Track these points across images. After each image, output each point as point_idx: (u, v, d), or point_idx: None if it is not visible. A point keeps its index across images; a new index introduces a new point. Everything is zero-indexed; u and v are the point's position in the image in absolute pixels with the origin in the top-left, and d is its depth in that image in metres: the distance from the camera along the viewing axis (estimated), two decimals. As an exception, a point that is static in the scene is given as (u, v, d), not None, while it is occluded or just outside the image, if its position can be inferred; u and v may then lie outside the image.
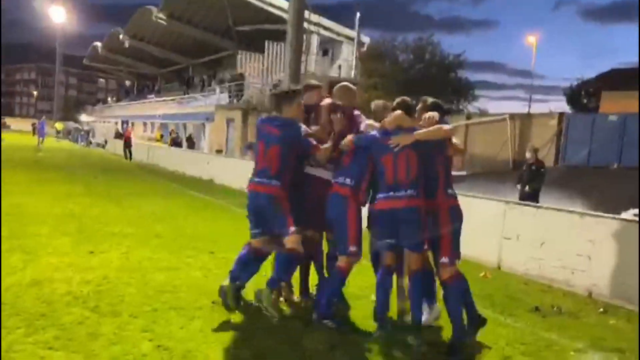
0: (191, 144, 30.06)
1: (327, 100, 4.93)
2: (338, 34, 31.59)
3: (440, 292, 4.51)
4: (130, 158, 28.04)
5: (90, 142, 42.39)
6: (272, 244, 4.61)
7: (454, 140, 4.61)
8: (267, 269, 4.95)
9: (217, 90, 32.96)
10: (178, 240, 7.46)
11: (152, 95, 51.44)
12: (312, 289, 5.10)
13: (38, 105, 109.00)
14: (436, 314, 4.79)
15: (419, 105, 4.70)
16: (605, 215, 6.71)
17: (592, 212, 6.89)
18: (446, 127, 4.47)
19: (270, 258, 4.82)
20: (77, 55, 73.22)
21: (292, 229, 4.37)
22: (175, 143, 27.96)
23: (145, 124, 45.68)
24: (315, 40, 30.05)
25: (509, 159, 21.21)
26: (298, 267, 4.85)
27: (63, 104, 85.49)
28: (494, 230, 7.65)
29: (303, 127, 4.57)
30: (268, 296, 4.45)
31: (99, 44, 56.09)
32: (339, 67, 31.18)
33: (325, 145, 4.55)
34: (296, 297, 5.10)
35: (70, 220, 8.34)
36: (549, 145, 21.15)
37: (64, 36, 63.99)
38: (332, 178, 4.64)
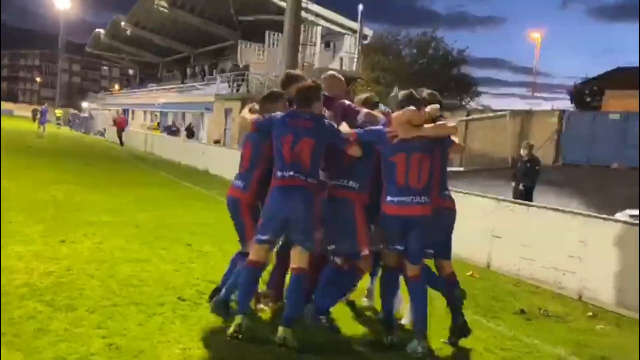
0: (190, 133, 29.82)
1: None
2: (341, 26, 31.23)
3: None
4: (122, 144, 27.81)
5: (91, 130, 42.15)
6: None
7: (454, 137, 4.22)
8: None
9: (218, 79, 32.68)
10: (156, 231, 7.23)
11: (153, 84, 51.14)
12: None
13: (42, 92, 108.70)
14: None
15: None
16: (598, 215, 6.50)
17: (584, 212, 6.67)
18: (452, 123, 4.24)
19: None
20: (81, 43, 72.70)
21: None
22: (171, 132, 27.70)
23: (145, 113, 45.43)
24: (317, 32, 29.72)
25: (508, 155, 20.89)
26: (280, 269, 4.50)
27: (66, 91, 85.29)
28: (484, 229, 7.43)
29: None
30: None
31: (101, 31, 55.66)
32: (341, 59, 30.81)
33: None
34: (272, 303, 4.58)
35: (48, 208, 8.12)
36: (548, 143, 20.84)
37: (68, 23, 63.76)
38: (326, 179, 4.20)
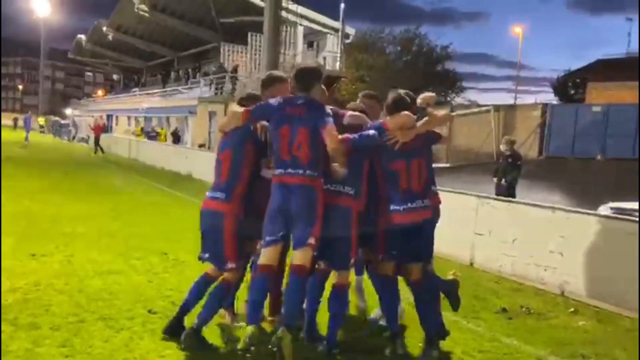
0: (176, 138, 29.58)
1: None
2: (323, 25, 31.18)
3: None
4: (96, 151, 26.79)
5: (74, 137, 41.69)
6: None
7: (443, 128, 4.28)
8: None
9: (201, 83, 32.47)
10: (130, 240, 7.06)
11: (136, 89, 50.75)
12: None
13: (24, 100, 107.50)
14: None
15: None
16: (578, 210, 6.45)
17: (564, 207, 6.61)
18: (442, 111, 4.27)
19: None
20: (64, 49, 72.13)
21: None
22: (150, 137, 27.32)
23: (129, 118, 45.05)
24: (300, 33, 29.64)
25: (493, 150, 20.92)
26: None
27: (50, 98, 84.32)
28: (466, 226, 7.36)
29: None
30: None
31: (83, 37, 55.14)
32: (324, 59, 30.75)
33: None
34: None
35: (21, 219, 7.91)
36: (532, 136, 20.91)
37: (49, 30, 63.08)
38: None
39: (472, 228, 7.34)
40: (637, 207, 7.60)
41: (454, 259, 7.26)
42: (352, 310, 4.83)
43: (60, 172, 15.92)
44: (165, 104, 36.60)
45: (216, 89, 29.36)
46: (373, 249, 4.08)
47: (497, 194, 9.07)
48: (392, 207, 3.90)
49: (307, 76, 3.83)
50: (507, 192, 9.36)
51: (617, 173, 13.93)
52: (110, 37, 46.23)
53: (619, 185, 12.75)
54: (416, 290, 4.11)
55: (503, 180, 9.68)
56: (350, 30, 32.34)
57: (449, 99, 41.24)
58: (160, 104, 37.46)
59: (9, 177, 13.17)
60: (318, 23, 30.92)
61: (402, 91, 4.29)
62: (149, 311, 4.47)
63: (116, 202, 10.53)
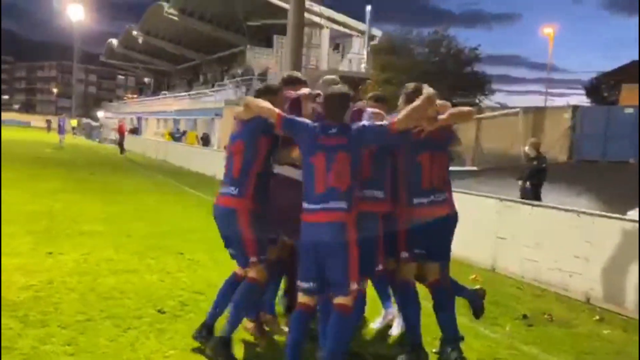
0: (206, 141, 29.85)
1: (305, 90, 4.00)
2: (350, 27, 31.04)
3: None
4: (122, 152, 27.48)
5: (105, 138, 42.47)
6: None
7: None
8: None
9: (228, 85, 32.71)
10: (148, 240, 7.06)
11: (165, 92, 51.49)
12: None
13: (59, 102, 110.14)
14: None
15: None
16: (605, 214, 6.19)
17: (590, 211, 6.34)
18: (466, 109, 4.10)
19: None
20: (97, 53, 73.61)
21: None
22: (175, 138, 27.69)
23: (158, 120, 45.71)
24: (325, 35, 29.56)
25: (521, 153, 20.45)
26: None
27: (82, 101, 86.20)
28: (488, 230, 7.17)
29: None
30: None
31: (114, 40, 56.28)
32: (350, 61, 30.62)
33: None
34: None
35: (42, 218, 8.01)
36: (562, 139, 20.39)
37: (82, 34, 64.44)
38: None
39: (494, 232, 7.14)
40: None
41: (475, 263, 7.07)
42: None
43: (86, 173, 16.17)
44: (192, 107, 36.99)
45: (242, 92, 29.52)
46: (392, 252, 3.87)
47: (521, 197, 8.83)
48: (415, 200, 3.77)
49: (339, 103, 3.51)
50: (532, 195, 9.09)
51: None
52: (140, 40, 47.03)
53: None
54: (435, 292, 3.95)
55: (528, 183, 9.42)
56: (377, 32, 32.10)
57: (477, 101, 40.63)
58: (188, 106, 37.87)
59: (34, 177, 13.43)
60: (344, 25, 30.79)
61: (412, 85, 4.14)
62: (158, 311, 4.44)
63: (138, 203, 10.63)
